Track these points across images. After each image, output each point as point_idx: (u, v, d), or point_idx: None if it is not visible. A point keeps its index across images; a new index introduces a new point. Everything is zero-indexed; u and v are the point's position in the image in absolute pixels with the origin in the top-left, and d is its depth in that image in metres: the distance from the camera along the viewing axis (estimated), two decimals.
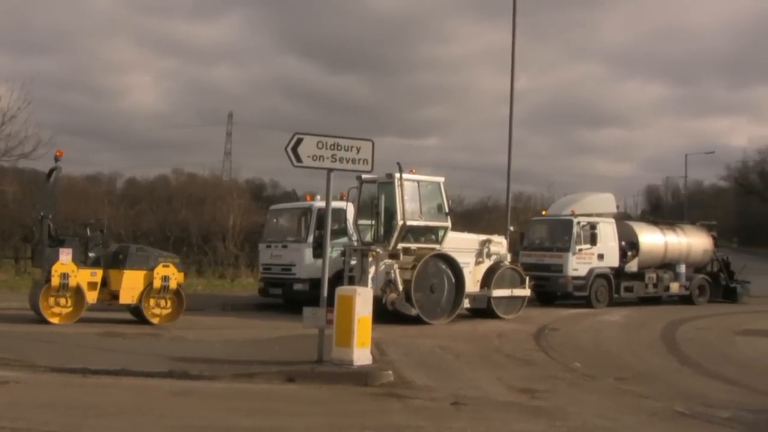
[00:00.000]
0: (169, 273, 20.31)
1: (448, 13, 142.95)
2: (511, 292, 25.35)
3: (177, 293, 20.52)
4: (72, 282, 19.25)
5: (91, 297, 19.78)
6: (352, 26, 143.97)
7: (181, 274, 21.03)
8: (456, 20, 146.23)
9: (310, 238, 24.85)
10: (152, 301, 20.29)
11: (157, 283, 20.07)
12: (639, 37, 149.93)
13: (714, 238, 37.32)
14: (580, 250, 30.52)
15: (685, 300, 34.46)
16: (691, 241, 35.56)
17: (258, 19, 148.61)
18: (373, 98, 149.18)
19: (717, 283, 36.34)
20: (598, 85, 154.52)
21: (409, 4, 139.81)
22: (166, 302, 20.44)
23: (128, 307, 20.63)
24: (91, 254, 20.14)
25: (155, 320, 20.20)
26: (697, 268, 36.08)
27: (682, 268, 34.41)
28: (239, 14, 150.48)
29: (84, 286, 19.50)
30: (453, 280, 23.47)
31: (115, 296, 20.07)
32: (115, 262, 20.21)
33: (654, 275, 33.33)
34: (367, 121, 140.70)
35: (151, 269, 20.16)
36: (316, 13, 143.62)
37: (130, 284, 19.97)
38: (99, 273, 19.96)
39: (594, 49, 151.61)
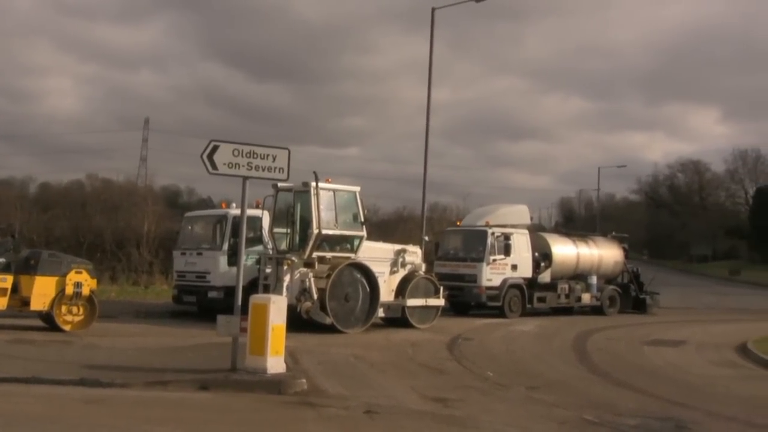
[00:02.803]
0: (82, 279, 20.07)
1: (372, 24, 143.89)
2: (426, 301, 25.44)
3: (90, 300, 20.28)
4: None
5: (1, 303, 19.42)
6: (277, 34, 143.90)
7: (94, 281, 20.80)
8: (380, 31, 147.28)
9: (225, 246, 24.74)
10: (64, 308, 20.00)
11: (69, 290, 19.81)
12: (561, 53, 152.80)
13: (625, 250, 37.92)
14: (494, 260, 30.76)
15: (597, 311, 34.91)
16: (602, 253, 36.08)
17: (182, 25, 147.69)
18: (296, 107, 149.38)
19: (627, 294, 36.87)
20: (520, 99, 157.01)
21: (334, 14, 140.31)
22: (79, 309, 20.19)
23: (39, 314, 20.29)
24: (1, 259, 19.76)
25: (67, 327, 19.92)
26: (608, 279, 36.61)
27: (594, 280, 34.90)
28: (164, 20, 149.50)
29: None
30: (368, 289, 23.51)
31: (26, 302, 19.72)
32: (26, 267, 19.86)
33: (566, 286, 33.72)
34: (288, 130, 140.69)
35: (64, 275, 19.89)
36: (241, 21, 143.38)
37: (42, 290, 19.66)
38: (9, 279, 19.59)
39: (517, 62, 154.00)
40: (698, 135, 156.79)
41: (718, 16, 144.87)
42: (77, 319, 20.19)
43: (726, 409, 14.15)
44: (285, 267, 22.58)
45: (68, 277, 19.90)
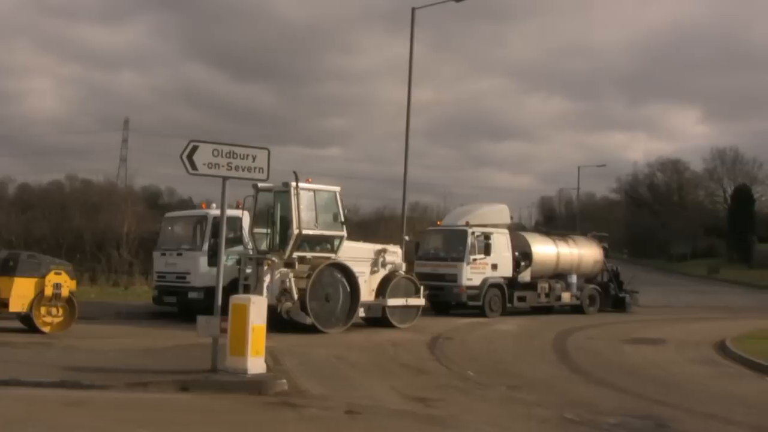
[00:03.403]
0: (62, 280, 19.97)
1: (355, 25, 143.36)
2: (406, 301, 25.47)
3: (69, 301, 20.18)
4: None
5: None
6: (260, 35, 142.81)
7: (74, 282, 20.69)
8: (363, 32, 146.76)
9: (206, 247, 24.71)
10: (43, 310, 19.88)
11: (48, 291, 19.70)
12: (543, 53, 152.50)
13: (605, 249, 37.99)
14: (475, 260, 30.80)
15: (577, 309, 34.97)
16: (582, 252, 36.15)
17: (165, 25, 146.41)
18: (278, 107, 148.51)
19: (607, 293, 36.96)
20: (502, 99, 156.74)
21: (317, 15, 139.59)
22: (58, 310, 20.08)
23: (18, 316, 20.16)
24: None
25: (46, 329, 19.81)
26: (588, 278, 36.66)
27: (574, 279, 34.98)
28: (146, 20, 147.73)
29: None
30: (348, 289, 23.51)
31: (5, 304, 19.57)
32: (5, 269, 19.74)
33: (546, 285, 33.78)
34: (271, 131, 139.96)
35: (43, 276, 19.77)
36: (224, 22, 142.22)
37: (21, 292, 19.53)
38: None
39: (499, 63, 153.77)
40: (679, 135, 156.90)
41: (699, 18, 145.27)
42: (57, 320, 20.08)
43: (705, 406, 14.22)
44: (265, 267, 22.57)
45: (47, 278, 19.79)
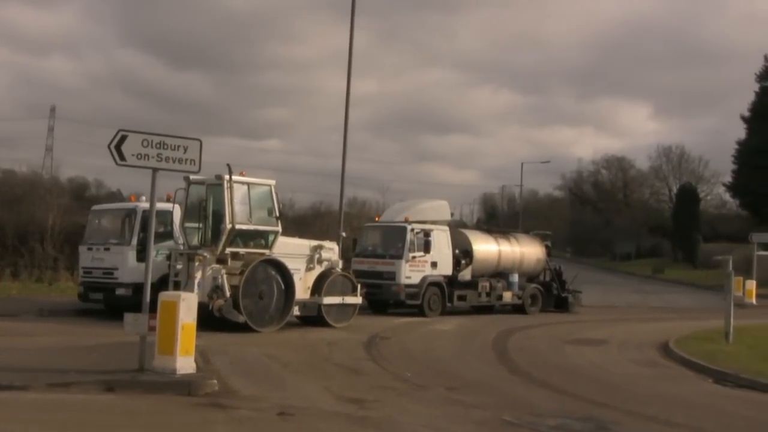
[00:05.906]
0: None
1: (299, 13, 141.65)
2: (343, 299, 25.23)
3: None
4: None
5: None
6: (199, 21, 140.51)
7: None
8: (307, 20, 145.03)
9: (134, 241, 24.24)
10: None
11: None
12: (493, 45, 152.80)
13: (547, 247, 37.92)
14: (414, 257, 30.48)
15: (518, 309, 34.80)
16: (524, 251, 36.02)
17: (99, 9, 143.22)
18: (216, 97, 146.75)
19: (549, 293, 36.80)
20: (449, 92, 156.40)
21: (258, 1, 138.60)
22: None
23: None
24: None
25: None
26: (530, 277, 36.52)
27: (515, 278, 34.79)
28: (79, 2, 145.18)
29: None
30: (283, 286, 23.20)
31: None
32: None
33: (487, 284, 33.55)
34: (208, 121, 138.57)
35: None
36: (161, 6, 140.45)
37: None
38: None
39: (447, 55, 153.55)
40: (628, 131, 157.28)
41: (651, 13, 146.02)
42: None
43: (646, 408, 14.34)
44: (197, 263, 22.18)
45: None
